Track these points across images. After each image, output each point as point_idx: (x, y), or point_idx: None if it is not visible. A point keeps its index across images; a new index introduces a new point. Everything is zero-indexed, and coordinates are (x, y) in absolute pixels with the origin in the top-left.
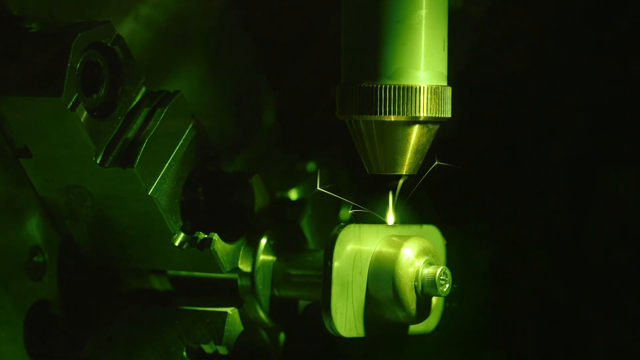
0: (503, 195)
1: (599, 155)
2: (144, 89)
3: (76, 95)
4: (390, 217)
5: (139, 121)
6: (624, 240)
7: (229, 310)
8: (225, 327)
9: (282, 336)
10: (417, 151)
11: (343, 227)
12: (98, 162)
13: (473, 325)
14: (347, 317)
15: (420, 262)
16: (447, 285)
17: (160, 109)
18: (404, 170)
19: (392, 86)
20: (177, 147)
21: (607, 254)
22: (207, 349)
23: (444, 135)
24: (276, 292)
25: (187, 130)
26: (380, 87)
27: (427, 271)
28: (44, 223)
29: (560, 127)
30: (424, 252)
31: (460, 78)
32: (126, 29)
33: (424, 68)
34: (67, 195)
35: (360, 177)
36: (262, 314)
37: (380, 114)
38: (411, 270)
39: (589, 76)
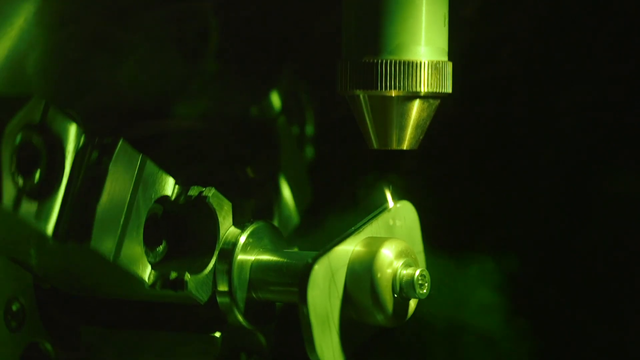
0: (497, 197)
1: (593, 156)
2: (82, 138)
3: (15, 194)
4: (390, 202)
5: (82, 174)
6: (620, 243)
7: (216, 334)
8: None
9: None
10: (417, 126)
11: (311, 268)
12: (52, 237)
13: (467, 327)
14: (333, 347)
15: (398, 264)
16: (426, 287)
17: (105, 159)
18: (405, 146)
19: (393, 61)
20: (129, 196)
21: (602, 256)
22: None
23: (441, 136)
24: (254, 295)
25: (136, 173)
26: (381, 62)
27: (406, 272)
28: (13, 269)
29: (553, 128)
30: (402, 253)
31: (454, 79)
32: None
33: (424, 43)
34: (32, 260)
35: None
36: (240, 318)
37: (381, 89)
38: (389, 271)
39: (582, 77)
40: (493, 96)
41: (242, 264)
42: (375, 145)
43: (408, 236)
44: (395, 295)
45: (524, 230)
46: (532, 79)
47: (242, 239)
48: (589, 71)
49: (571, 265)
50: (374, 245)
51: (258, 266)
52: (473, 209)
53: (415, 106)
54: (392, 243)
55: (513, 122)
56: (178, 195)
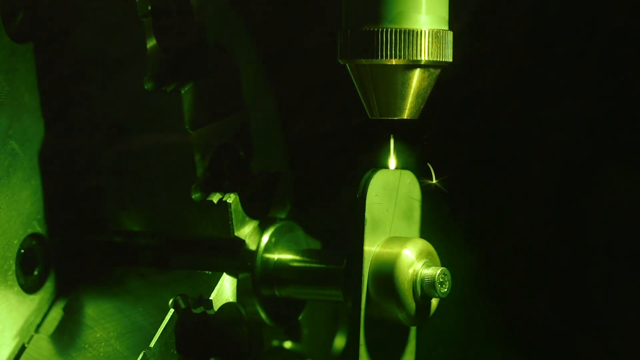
0: (488, 205)
1: (582, 164)
2: None
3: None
4: (392, 162)
5: None
6: (610, 248)
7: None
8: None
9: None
10: (418, 95)
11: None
12: None
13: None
14: None
15: (419, 264)
16: (447, 285)
17: None
18: (405, 115)
19: (394, 30)
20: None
21: (592, 260)
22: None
23: (436, 146)
24: (277, 293)
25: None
26: (382, 31)
27: (427, 272)
28: None
29: (541, 139)
30: (423, 253)
31: (447, 88)
32: None
33: (425, 12)
34: None
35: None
36: (262, 315)
37: (382, 57)
38: (411, 271)
39: (572, 86)
40: (482, 108)
41: (265, 262)
42: (376, 115)
43: (388, 200)
44: (417, 296)
45: (511, 240)
46: (522, 89)
47: (265, 238)
48: (576, 82)
49: (561, 272)
50: (395, 247)
51: (280, 265)
52: (462, 216)
53: (416, 75)
54: (415, 243)
55: (502, 135)
56: (186, 309)
